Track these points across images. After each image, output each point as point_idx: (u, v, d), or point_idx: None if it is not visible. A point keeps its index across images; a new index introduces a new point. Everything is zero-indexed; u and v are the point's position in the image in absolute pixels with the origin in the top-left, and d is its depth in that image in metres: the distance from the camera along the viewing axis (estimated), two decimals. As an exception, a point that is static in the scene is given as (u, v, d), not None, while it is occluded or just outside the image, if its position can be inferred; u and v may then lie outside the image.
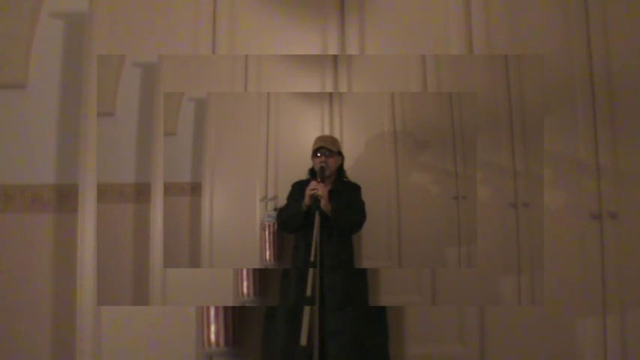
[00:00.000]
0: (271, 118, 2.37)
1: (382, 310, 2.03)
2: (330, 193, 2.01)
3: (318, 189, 1.92)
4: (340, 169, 2.15)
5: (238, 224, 2.33)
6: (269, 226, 2.19)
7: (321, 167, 2.03)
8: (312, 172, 2.13)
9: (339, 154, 2.13)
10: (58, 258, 2.24)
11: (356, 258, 2.11)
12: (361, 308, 1.96)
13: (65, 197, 2.25)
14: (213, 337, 1.89)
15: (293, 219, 2.00)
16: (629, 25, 2.12)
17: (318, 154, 2.08)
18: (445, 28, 2.16)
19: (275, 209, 2.26)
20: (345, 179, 2.16)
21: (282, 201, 2.20)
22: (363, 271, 2.07)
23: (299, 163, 2.23)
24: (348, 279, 1.97)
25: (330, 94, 2.33)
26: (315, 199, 1.91)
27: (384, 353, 1.98)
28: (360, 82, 2.19)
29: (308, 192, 1.93)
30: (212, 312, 1.90)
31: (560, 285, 2.06)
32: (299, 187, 2.10)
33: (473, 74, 2.21)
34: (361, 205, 2.07)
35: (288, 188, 2.15)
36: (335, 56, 2.19)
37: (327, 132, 2.32)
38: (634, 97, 2.10)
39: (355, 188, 2.12)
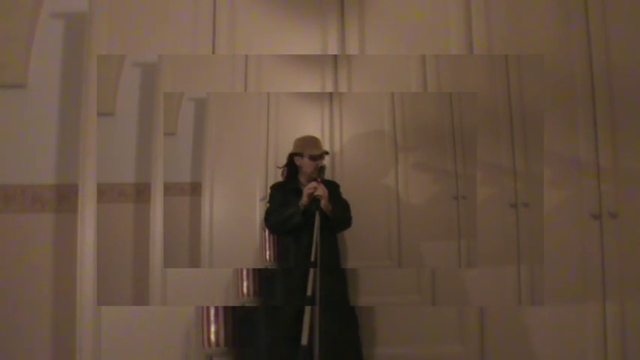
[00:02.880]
0: (271, 118, 2.37)
1: (353, 309, 2.03)
2: None
3: (318, 189, 1.91)
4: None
5: (238, 224, 2.33)
6: (269, 226, 2.19)
7: (322, 167, 2.04)
8: (291, 173, 2.11)
9: None
10: (58, 258, 2.24)
11: (355, 258, 2.11)
12: (344, 308, 1.96)
13: (65, 197, 2.25)
14: (213, 337, 1.89)
15: (290, 220, 1.98)
16: (629, 25, 2.12)
17: (315, 159, 2.06)
18: (445, 28, 2.17)
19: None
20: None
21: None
22: (343, 271, 2.07)
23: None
24: (337, 278, 1.98)
25: (330, 94, 2.33)
26: (315, 199, 1.90)
27: (358, 352, 1.97)
28: (360, 82, 2.19)
29: (307, 191, 1.93)
30: (212, 312, 1.90)
31: (560, 285, 2.06)
32: (281, 189, 2.10)
33: (473, 74, 2.21)
34: (345, 202, 2.07)
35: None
36: (335, 56, 2.19)
37: (327, 132, 2.32)
38: (634, 97, 2.10)
39: (335, 186, 2.12)
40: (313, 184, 1.95)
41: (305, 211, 1.93)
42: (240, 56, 2.19)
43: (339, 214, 1.96)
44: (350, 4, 2.17)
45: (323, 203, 1.89)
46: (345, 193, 2.13)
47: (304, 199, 1.94)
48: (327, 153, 2.09)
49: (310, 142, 2.11)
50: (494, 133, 2.20)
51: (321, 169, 2.03)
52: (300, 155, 2.07)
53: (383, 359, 2.06)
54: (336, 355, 1.83)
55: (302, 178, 2.08)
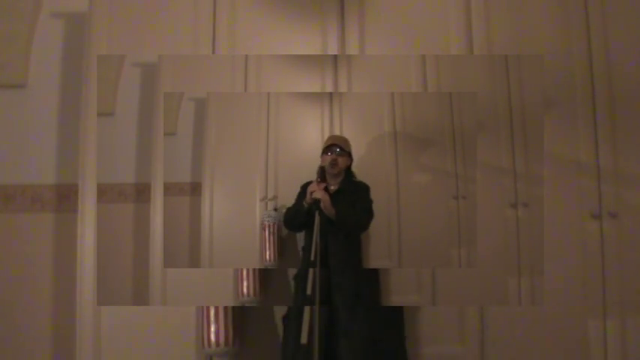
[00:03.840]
0: (271, 118, 2.37)
1: (399, 310, 2.02)
2: (337, 193, 2.01)
3: (317, 191, 1.91)
4: (348, 170, 2.13)
5: (238, 224, 2.33)
6: (269, 226, 2.19)
7: (321, 167, 2.03)
8: (322, 173, 2.12)
9: (349, 155, 2.12)
10: (58, 258, 2.24)
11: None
12: (374, 308, 1.95)
13: (65, 197, 2.25)
14: (213, 337, 1.89)
15: (295, 217, 2.02)
16: (629, 25, 2.12)
17: (329, 153, 2.07)
18: (445, 28, 2.16)
19: (275, 209, 2.26)
20: (354, 179, 2.15)
21: (281, 201, 2.21)
22: (374, 271, 2.07)
23: (299, 163, 2.23)
24: (357, 278, 1.97)
25: (330, 94, 2.33)
26: (315, 200, 1.90)
27: (401, 354, 1.96)
28: (360, 82, 2.19)
29: (309, 189, 1.94)
30: (212, 312, 1.90)
31: (560, 285, 2.06)
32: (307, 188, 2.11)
33: (473, 74, 2.21)
34: (368, 203, 2.05)
35: (288, 188, 2.15)
36: (335, 56, 2.19)
37: (326, 132, 2.32)
38: (634, 97, 2.10)
39: (364, 187, 2.09)
40: (313, 185, 1.95)
41: (309, 210, 1.93)
42: (240, 56, 2.19)
43: (343, 218, 1.95)
44: (350, 4, 2.17)
45: (322, 206, 1.89)
46: (345, 193, 2.12)
47: (307, 197, 1.94)
48: (339, 148, 2.07)
49: (329, 138, 2.13)
50: (494, 133, 2.20)
51: (321, 169, 2.03)
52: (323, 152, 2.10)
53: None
54: (364, 355, 1.83)
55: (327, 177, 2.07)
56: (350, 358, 1.82)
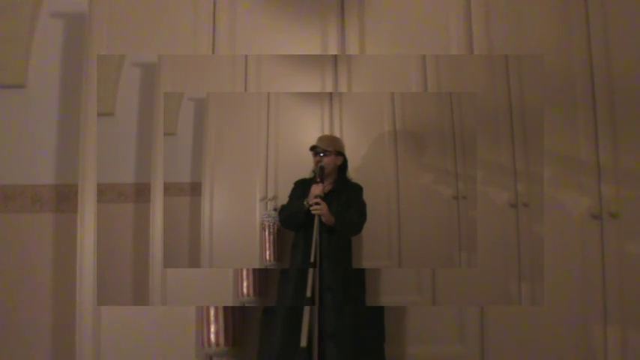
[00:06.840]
0: (271, 118, 2.37)
1: (380, 310, 2.03)
2: (331, 192, 2.01)
3: (320, 206, 1.90)
4: (342, 170, 2.13)
5: (238, 224, 2.33)
6: (269, 226, 2.19)
7: (320, 167, 2.03)
8: (322, 170, 2.13)
9: (339, 154, 2.12)
10: (58, 258, 2.25)
11: (356, 258, 2.11)
12: (360, 308, 1.96)
13: (65, 197, 2.25)
14: (213, 337, 1.89)
15: (294, 217, 2.01)
16: (629, 25, 2.12)
17: (316, 154, 2.08)
18: (445, 28, 2.16)
19: (275, 209, 2.26)
20: (347, 179, 2.16)
21: (282, 201, 2.20)
22: (361, 272, 2.07)
23: (299, 163, 2.23)
24: (347, 279, 1.97)
25: (330, 94, 2.33)
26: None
27: (380, 354, 1.97)
28: (360, 82, 2.19)
29: (312, 192, 1.94)
30: (212, 312, 1.90)
31: (560, 285, 2.06)
32: (301, 186, 2.11)
33: (473, 74, 2.21)
34: (362, 206, 2.06)
35: (288, 188, 2.15)
36: (335, 56, 2.19)
37: (327, 132, 2.32)
38: (634, 97, 2.10)
39: (357, 189, 2.11)
40: (314, 188, 1.94)
41: (308, 211, 1.93)
42: (240, 56, 2.19)
43: (342, 225, 1.97)
44: (350, 4, 2.17)
45: (324, 220, 1.89)
46: (345, 193, 2.12)
47: (309, 199, 1.94)
48: (325, 150, 2.07)
49: (318, 139, 2.12)
50: (494, 133, 2.20)
51: (321, 168, 2.03)
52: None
53: (383, 359, 2.06)
54: (350, 354, 1.84)
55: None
56: (336, 359, 1.82)
